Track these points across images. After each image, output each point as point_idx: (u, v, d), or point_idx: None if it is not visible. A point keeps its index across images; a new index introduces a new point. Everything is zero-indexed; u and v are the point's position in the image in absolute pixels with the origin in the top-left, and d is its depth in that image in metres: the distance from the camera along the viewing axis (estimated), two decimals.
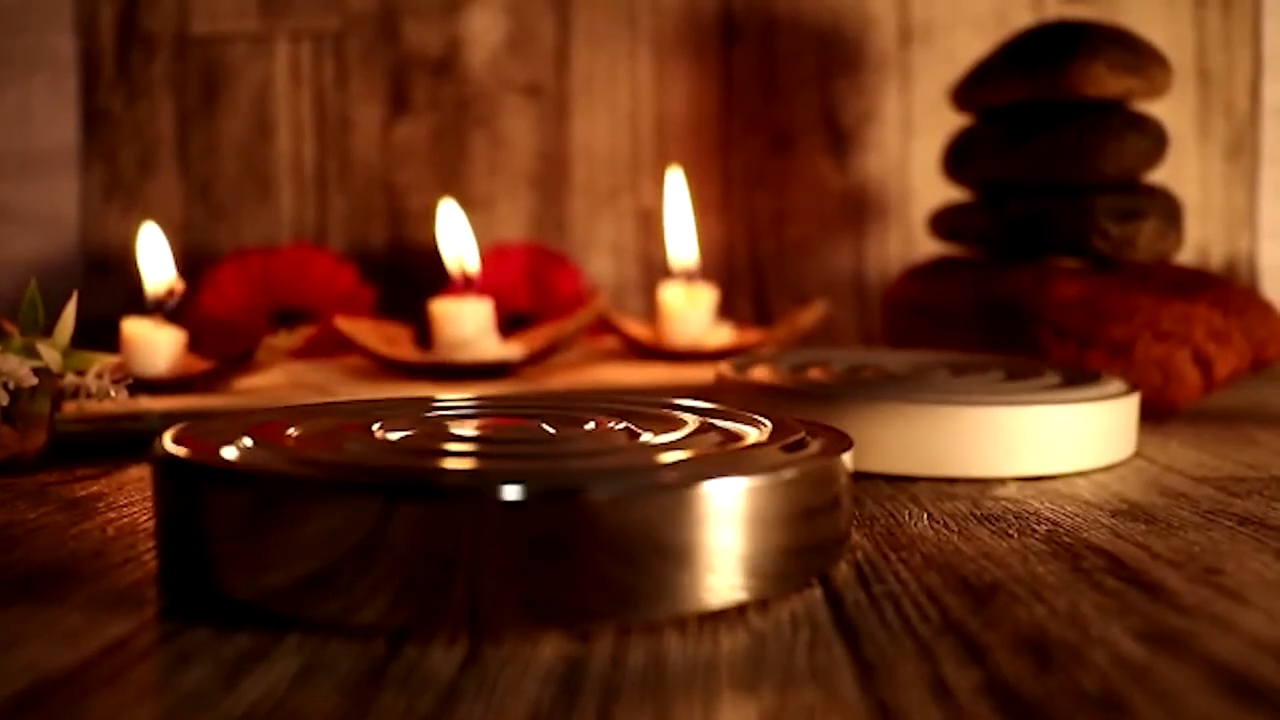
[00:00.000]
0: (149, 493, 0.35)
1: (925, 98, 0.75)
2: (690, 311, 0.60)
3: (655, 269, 0.75)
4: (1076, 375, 0.43)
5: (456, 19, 0.76)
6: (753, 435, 0.29)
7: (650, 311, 0.70)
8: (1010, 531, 0.31)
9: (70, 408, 0.40)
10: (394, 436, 0.28)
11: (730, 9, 0.76)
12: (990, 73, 0.55)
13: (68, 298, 0.39)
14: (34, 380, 0.37)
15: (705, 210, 0.74)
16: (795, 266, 0.76)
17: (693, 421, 0.30)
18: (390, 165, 0.77)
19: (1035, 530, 0.31)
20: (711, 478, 0.23)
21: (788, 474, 0.25)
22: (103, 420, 0.43)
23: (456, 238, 0.57)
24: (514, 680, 0.20)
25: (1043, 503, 0.34)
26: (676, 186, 0.65)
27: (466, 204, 0.67)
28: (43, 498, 0.35)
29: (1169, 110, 0.62)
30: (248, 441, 0.27)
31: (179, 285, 0.51)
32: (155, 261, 0.51)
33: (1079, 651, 0.22)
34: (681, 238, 0.63)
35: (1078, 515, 0.33)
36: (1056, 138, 0.52)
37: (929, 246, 0.70)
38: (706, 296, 0.61)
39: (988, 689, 0.20)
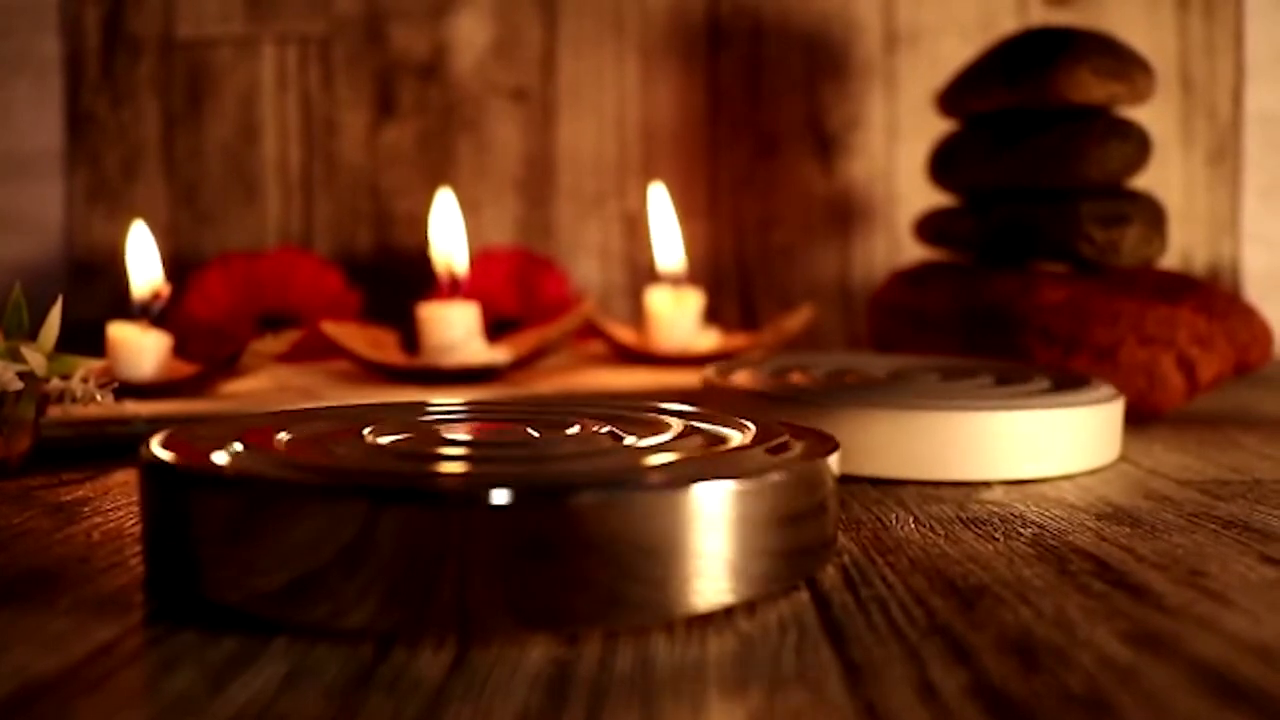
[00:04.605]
0: (135, 497, 0.35)
1: (911, 103, 0.76)
2: (677, 316, 0.60)
3: (642, 273, 0.75)
4: (1065, 379, 0.43)
5: (443, 23, 0.76)
6: (736, 439, 0.29)
7: (637, 316, 0.70)
8: (996, 535, 0.31)
9: (55, 412, 0.40)
10: (383, 441, 0.28)
11: (717, 14, 0.76)
12: (975, 78, 0.55)
13: (53, 301, 0.38)
14: (19, 384, 0.37)
15: (692, 215, 0.75)
16: (781, 271, 0.77)
17: (677, 425, 0.30)
18: (377, 169, 0.76)
19: (1021, 533, 0.31)
20: (698, 481, 0.23)
21: (774, 477, 0.25)
22: (88, 424, 0.43)
23: (449, 234, 0.57)
24: (502, 683, 0.20)
25: (1028, 506, 0.35)
26: (662, 193, 0.65)
27: None
28: (28, 502, 0.35)
29: (1152, 116, 0.63)
30: (237, 446, 0.27)
31: (165, 289, 0.51)
32: (143, 261, 0.51)
33: (1065, 653, 0.22)
34: (668, 243, 0.63)
35: (1063, 519, 0.33)
36: (1041, 143, 0.53)
37: (915, 251, 0.70)
38: (693, 301, 0.61)
39: (974, 690, 0.20)
